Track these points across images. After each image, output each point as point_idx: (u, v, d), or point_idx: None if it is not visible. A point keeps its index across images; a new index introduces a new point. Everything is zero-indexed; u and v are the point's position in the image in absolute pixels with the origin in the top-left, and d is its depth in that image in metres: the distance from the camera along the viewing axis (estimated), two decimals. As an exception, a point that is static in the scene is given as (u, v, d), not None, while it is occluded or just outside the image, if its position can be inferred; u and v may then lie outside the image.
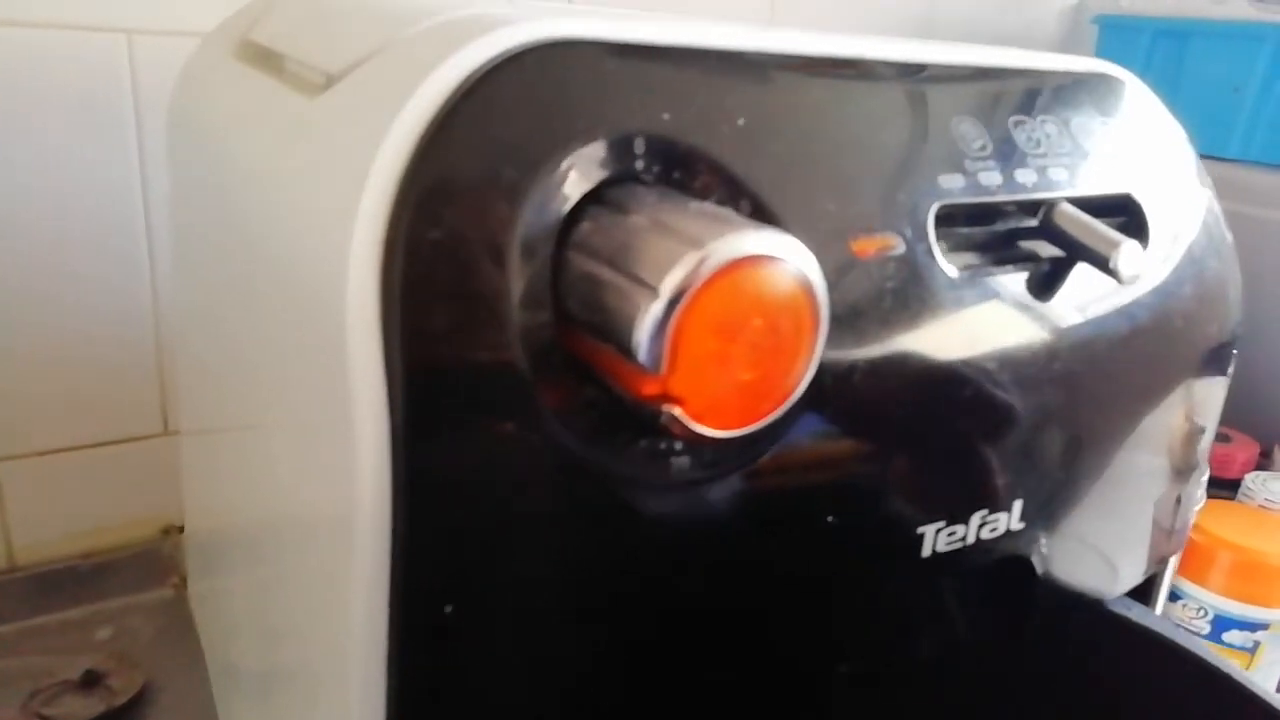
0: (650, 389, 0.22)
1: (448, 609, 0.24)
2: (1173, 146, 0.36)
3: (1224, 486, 0.77)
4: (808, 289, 0.22)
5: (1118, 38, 0.89)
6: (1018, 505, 0.32)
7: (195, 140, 0.41)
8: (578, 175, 0.24)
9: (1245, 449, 0.81)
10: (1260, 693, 0.37)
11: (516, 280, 0.23)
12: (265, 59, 0.36)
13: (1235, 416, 0.85)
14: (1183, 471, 0.39)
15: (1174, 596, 0.65)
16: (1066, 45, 1.02)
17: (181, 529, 0.65)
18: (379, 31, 0.28)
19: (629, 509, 0.25)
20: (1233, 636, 0.63)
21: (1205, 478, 0.53)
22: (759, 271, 0.22)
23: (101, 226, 0.61)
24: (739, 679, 0.28)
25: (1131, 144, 0.34)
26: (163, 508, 0.67)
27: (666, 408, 0.22)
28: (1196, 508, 0.41)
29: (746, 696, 0.29)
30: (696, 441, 0.23)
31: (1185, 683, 0.39)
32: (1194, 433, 0.38)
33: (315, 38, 0.34)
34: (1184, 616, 0.65)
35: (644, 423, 0.24)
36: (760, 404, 0.23)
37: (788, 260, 0.22)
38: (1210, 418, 0.39)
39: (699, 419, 0.22)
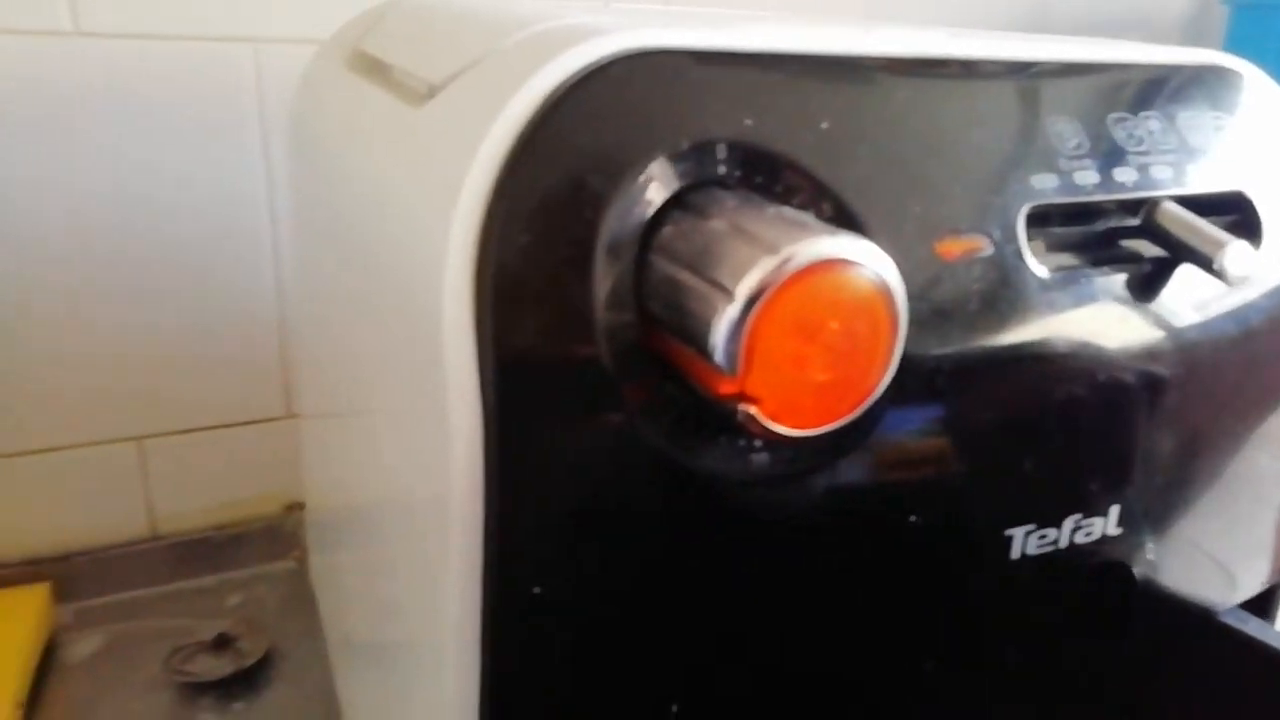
0: (727, 389, 0.23)
1: (536, 590, 0.25)
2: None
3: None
4: (884, 292, 0.23)
5: (1251, 21, 0.83)
6: (1114, 510, 0.31)
7: (312, 147, 0.44)
8: (661, 181, 0.24)
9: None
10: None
11: (602, 283, 0.24)
12: (375, 69, 0.38)
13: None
14: None
15: None
16: (1193, 31, 0.96)
17: (303, 506, 0.69)
18: (479, 42, 0.29)
19: (709, 502, 0.26)
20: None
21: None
22: (834, 275, 0.22)
23: (231, 227, 0.65)
24: (822, 674, 0.29)
25: (1249, 140, 0.33)
26: (286, 486, 0.71)
27: (743, 407, 0.23)
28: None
29: (830, 692, 0.29)
30: (774, 440, 0.24)
31: None
32: None
33: (421, 48, 0.35)
34: None
35: (724, 420, 0.25)
36: (837, 405, 0.23)
37: (864, 264, 0.22)
38: None
39: (775, 418, 0.23)
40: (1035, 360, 0.28)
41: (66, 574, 0.65)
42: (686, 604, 0.27)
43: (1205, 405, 0.33)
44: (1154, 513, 0.33)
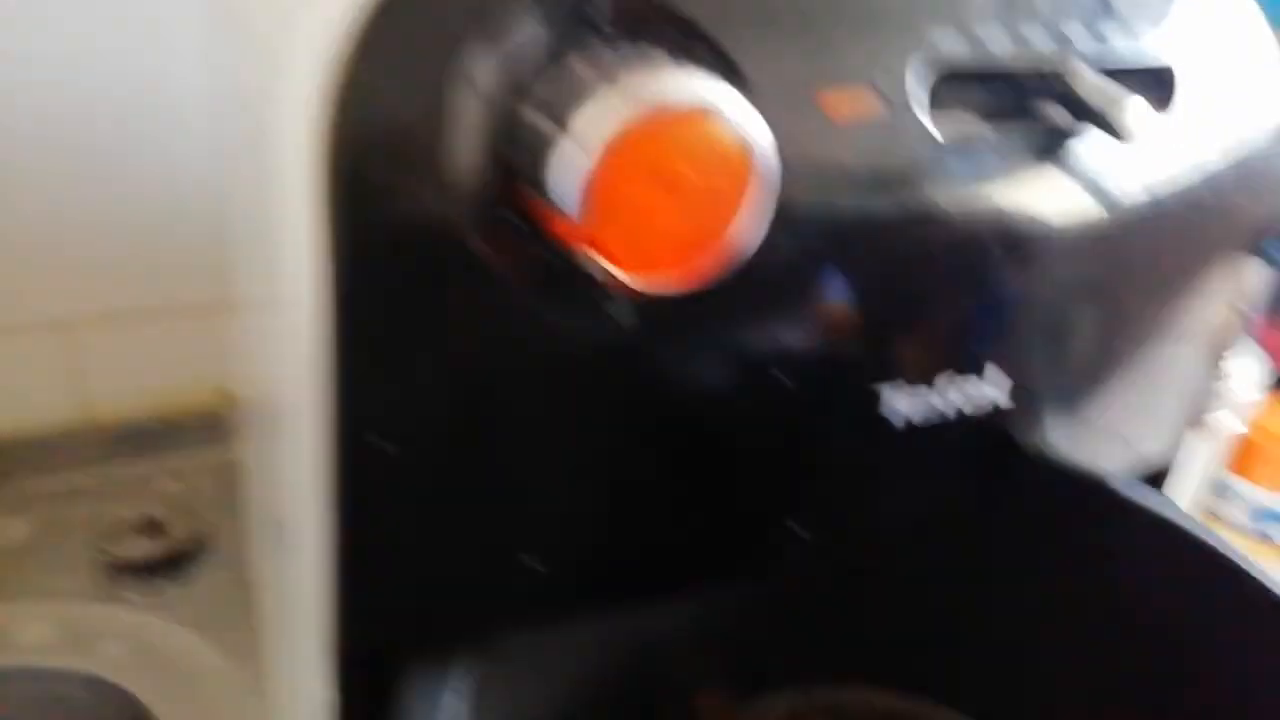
0: (569, 230, 0.21)
1: (389, 449, 0.24)
2: (1243, 22, 0.33)
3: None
4: (746, 142, 0.21)
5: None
6: (996, 375, 0.30)
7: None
8: (525, 24, 0.23)
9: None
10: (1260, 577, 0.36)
11: (458, 132, 0.23)
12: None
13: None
14: (1208, 357, 0.37)
15: (1220, 491, 0.64)
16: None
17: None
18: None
19: (570, 361, 0.25)
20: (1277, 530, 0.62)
21: (1259, 369, 0.50)
22: (689, 120, 0.21)
23: (160, 106, 0.63)
24: (683, 536, 0.28)
25: (1184, 15, 0.31)
26: (224, 374, 0.70)
27: (596, 258, 0.22)
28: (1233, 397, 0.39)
29: (691, 556, 0.29)
30: (631, 294, 0.23)
31: (1185, 566, 0.37)
32: (1227, 321, 0.36)
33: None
34: (1229, 511, 0.63)
35: (587, 278, 0.24)
36: (696, 261, 0.22)
37: (725, 111, 0.21)
38: (1253, 301, 0.37)
39: (629, 270, 0.22)
40: (923, 225, 0.27)
41: (-2, 456, 0.65)
42: (546, 463, 0.26)
43: (1109, 279, 0.32)
44: (1044, 385, 0.32)
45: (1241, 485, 0.63)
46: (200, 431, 0.70)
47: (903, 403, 0.29)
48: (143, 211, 0.64)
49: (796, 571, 0.30)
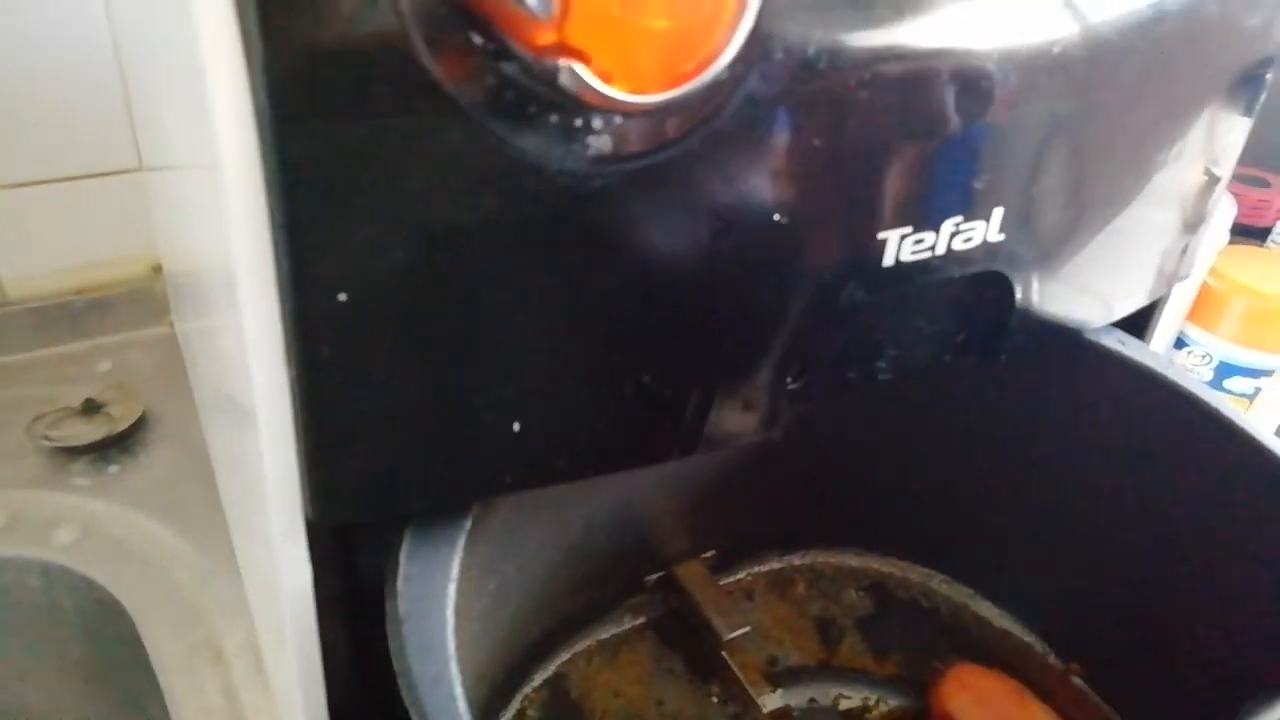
0: (543, 37, 0.19)
1: (341, 298, 0.22)
2: None
3: (1254, 235, 0.73)
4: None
5: None
6: (997, 214, 0.29)
7: None
8: None
9: (1284, 197, 0.76)
10: (1243, 425, 0.36)
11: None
12: None
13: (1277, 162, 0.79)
14: (1191, 210, 0.36)
15: (1179, 344, 0.63)
16: None
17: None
18: None
19: (539, 194, 0.22)
20: (1235, 383, 0.62)
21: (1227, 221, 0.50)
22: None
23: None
24: (670, 389, 0.27)
25: None
26: (150, 246, 0.66)
27: (565, 62, 0.19)
28: (1207, 242, 0.38)
29: (678, 410, 0.27)
30: (607, 108, 0.20)
31: (1164, 413, 0.38)
32: (1207, 176, 0.34)
33: None
34: (1189, 363, 0.63)
35: (555, 95, 0.21)
36: (679, 62, 0.20)
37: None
38: (1226, 163, 0.35)
39: (606, 78, 0.19)
40: (925, 51, 0.25)
41: (-89, 343, 0.60)
42: (517, 310, 0.24)
43: (1098, 113, 0.30)
44: (1035, 222, 0.31)
45: (1201, 336, 0.62)
46: (130, 307, 0.67)
47: (898, 243, 0.27)
48: (35, 82, 0.58)
49: (788, 430, 0.29)
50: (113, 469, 0.56)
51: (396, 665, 0.25)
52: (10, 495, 0.54)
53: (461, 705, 0.24)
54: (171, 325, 0.67)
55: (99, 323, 0.66)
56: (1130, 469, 0.41)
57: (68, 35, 0.59)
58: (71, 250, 0.64)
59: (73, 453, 0.56)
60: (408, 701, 0.24)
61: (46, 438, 0.56)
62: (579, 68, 0.19)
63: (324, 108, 0.20)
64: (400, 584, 0.26)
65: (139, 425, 0.59)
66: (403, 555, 0.27)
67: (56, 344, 0.64)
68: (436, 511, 0.28)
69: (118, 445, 0.58)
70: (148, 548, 0.53)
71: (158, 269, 0.67)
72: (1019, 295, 0.32)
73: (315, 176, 0.21)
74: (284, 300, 0.22)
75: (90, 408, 0.59)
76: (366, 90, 0.20)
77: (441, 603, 0.26)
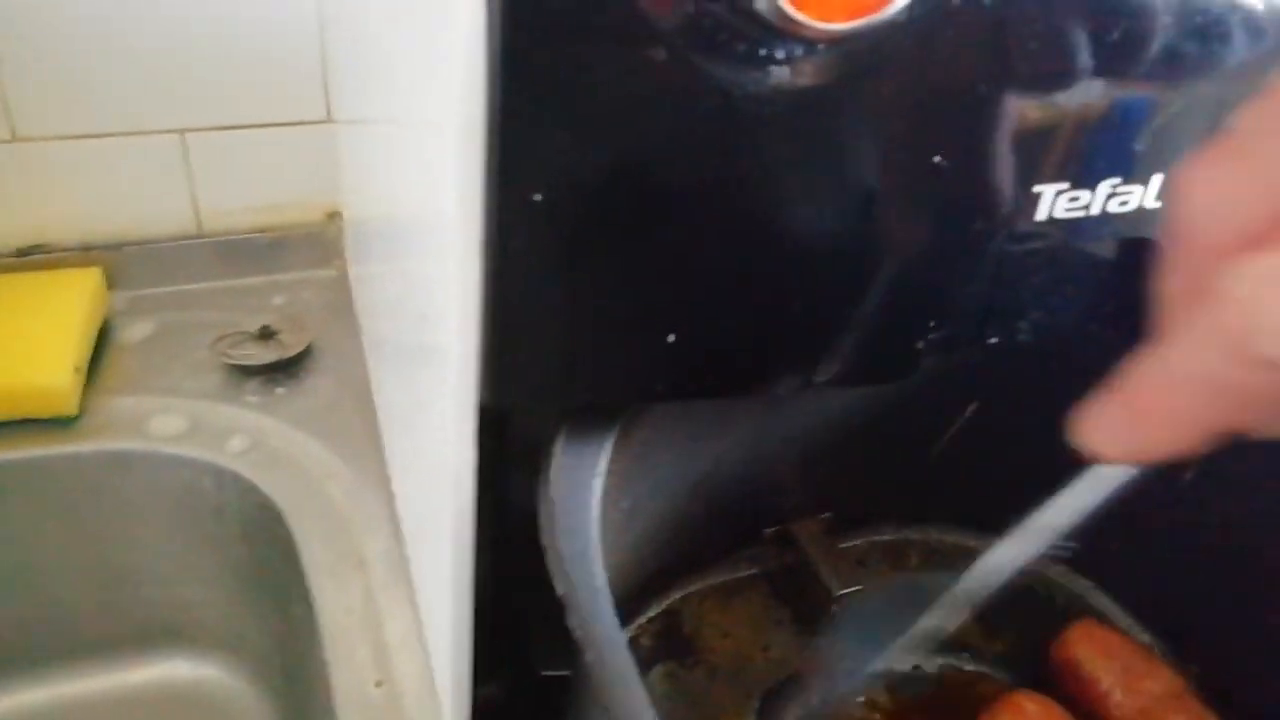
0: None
1: (536, 198, 0.25)
2: None
3: None
4: None
5: None
6: (1156, 180, 0.29)
7: None
8: None
9: None
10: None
11: None
12: None
13: None
14: None
15: None
16: None
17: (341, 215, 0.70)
18: None
19: (723, 118, 0.24)
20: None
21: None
22: None
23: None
24: (823, 316, 0.28)
25: None
26: (330, 193, 0.72)
27: (762, -11, 0.21)
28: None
29: (824, 338, 0.29)
30: (795, 34, 0.22)
31: None
32: None
33: None
34: None
35: (743, 25, 0.23)
36: (865, -8, 0.22)
37: None
38: None
39: (798, 5, 0.22)
40: (1102, 8, 0.26)
41: (118, 263, 0.68)
42: (692, 226, 0.26)
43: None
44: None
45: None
46: (306, 248, 0.72)
47: (1052, 199, 0.28)
48: (239, 32, 0.65)
49: (917, 396, 0.30)
50: (280, 390, 0.62)
51: (545, 541, 0.27)
52: (193, 405, 0.60)
53: (601, 580, 0.26)
54: (340, 268, 0.73)
55: (277, 260, 0.72)
56: (1274, 473, 0.40)
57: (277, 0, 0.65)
58: (259, 192, 0.70)
59: (248, 372, 0.62)
60: (553, 573, 0.27)
61: (227, 355, 0.62)
62: (773, -8, 0.21)
63: (546, 28, 0.23)
64: (554, 470, 0.29)
65: (306, 354, 0.64)
66: (558, 446, 0.29)
67: (240, 276, 0.71)
68: (593, 407, 0.30)
69: (286, 370, 0.63)
70: (306, 462, 0.58)
71: (333, 215, 0.72)
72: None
73: (530, 86, 0.23)
74: (488, 194, 0.25)
75: (265, 334, 0.65)
76: (583, 14, 0.23)
77: (588, 494, 0.29)
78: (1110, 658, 0.39)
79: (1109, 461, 0.22)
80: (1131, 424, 0.21)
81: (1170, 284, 0.21)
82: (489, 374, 0.27)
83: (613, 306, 0.27)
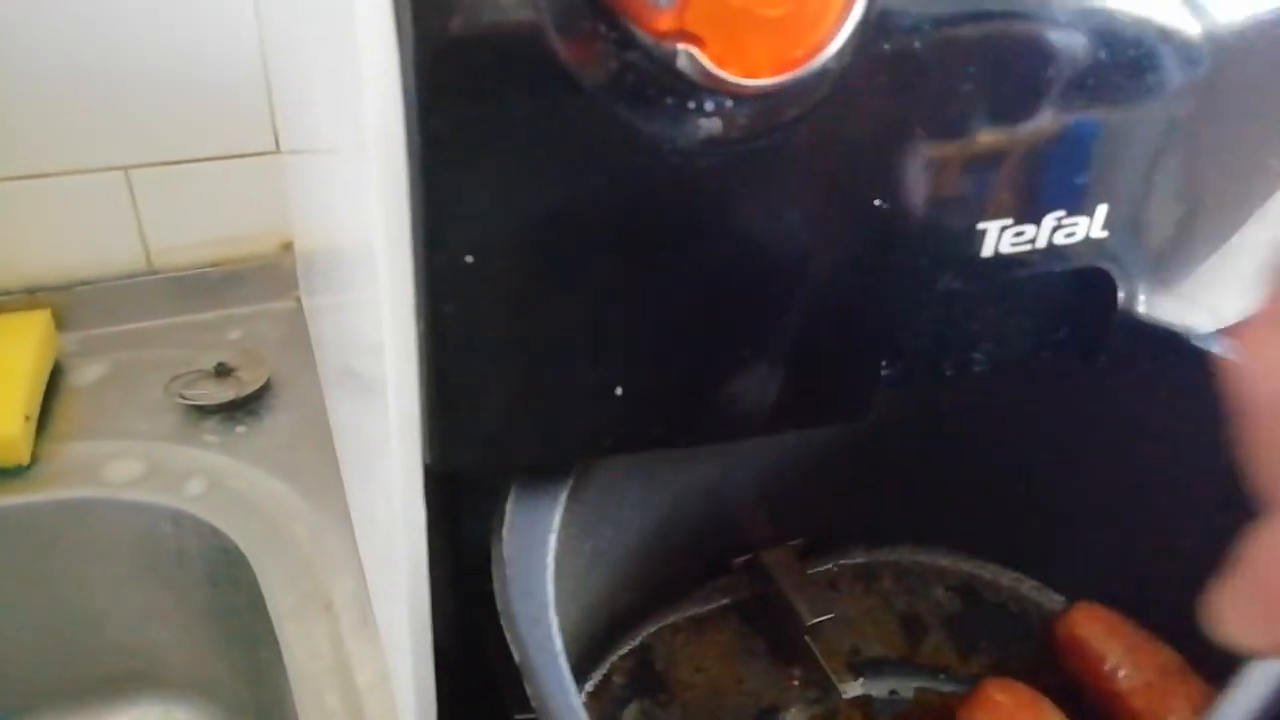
0: (664, 24, 0.20)
1: (468, 259, 0.24)
2: None
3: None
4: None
5: None
6: (1101, 210, 0.29)
7: None
8: None
9: None
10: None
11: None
12: None
13: None
14: None
15: None
16: None
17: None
18: None
19: (653, 172, 0.24)
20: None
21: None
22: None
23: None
24: (768, 364, 0.28)
25: None
26: (283, 224, 0.71)
27: (684, 47, 0.21)
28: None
29: (774, 385, 0.29)
30: (721, 90, 0.22)
31: None
32: None
33: None
34: None
35: (671, 78, 0.22)
36: (790, 48, 0.21)
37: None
38: None
39: (720, 62, 0.21)
40: (1037, 38, 0.26)
41: (67, 303, 0.66)
42: (630, 280, 0.26)
43: (1227, 118, 0.30)
44: (1145, 224, 0.31)
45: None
46: (260, 281, 0.71)
47: (997, 235, 0.28)
48: (184, 66, 0.63)
49: (879, 419, 0.30)
50: (240, 429, 0.61)
51: (499, 604, 0.27)
52: (149, 447, 0.59)
53: (558, 644, 0.26)
54: (297, 300, 0.72)
55: (232, 294, 0.70)
56: (1236, 484, 0.40)
57: (218, 32, 0.64)
58: (210, 225, 0.69)
59: (204, 411, 0.61)
60: (509, 637, 0.26)
61: (182, 396, 0.61)
62: (695, 52, 0.21)
63: (463, 88, 0.22)
64: (506, 530, 0.28)
65: (264, 390, 0.63)
66: (509, 504, 0.29)
67: (193, 312, 0.70)
68: (542, 466, 0.30)
69: (245, 407, 0.62)
70: (268, 503, 0.57)
71: (287, 246, 0.71)
72: (1122, 295, 0.32)
73: (452, 148, 0.23)
74: (417, 259, 0.24)
75: (222, 370, 0.63)
76: (502, 73, 0.22)
77: (543, 551, 0.28)
78: (1114, 636, 0.40)
79: (1258, 656, 0.20)
80: (1269, 611, 0.18)
81: (1268, 455, 0.19)
82: (434, 436, 0.27)
83: (556, 363, 0.27)
